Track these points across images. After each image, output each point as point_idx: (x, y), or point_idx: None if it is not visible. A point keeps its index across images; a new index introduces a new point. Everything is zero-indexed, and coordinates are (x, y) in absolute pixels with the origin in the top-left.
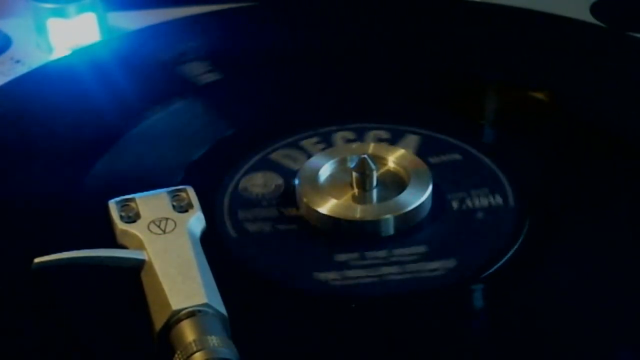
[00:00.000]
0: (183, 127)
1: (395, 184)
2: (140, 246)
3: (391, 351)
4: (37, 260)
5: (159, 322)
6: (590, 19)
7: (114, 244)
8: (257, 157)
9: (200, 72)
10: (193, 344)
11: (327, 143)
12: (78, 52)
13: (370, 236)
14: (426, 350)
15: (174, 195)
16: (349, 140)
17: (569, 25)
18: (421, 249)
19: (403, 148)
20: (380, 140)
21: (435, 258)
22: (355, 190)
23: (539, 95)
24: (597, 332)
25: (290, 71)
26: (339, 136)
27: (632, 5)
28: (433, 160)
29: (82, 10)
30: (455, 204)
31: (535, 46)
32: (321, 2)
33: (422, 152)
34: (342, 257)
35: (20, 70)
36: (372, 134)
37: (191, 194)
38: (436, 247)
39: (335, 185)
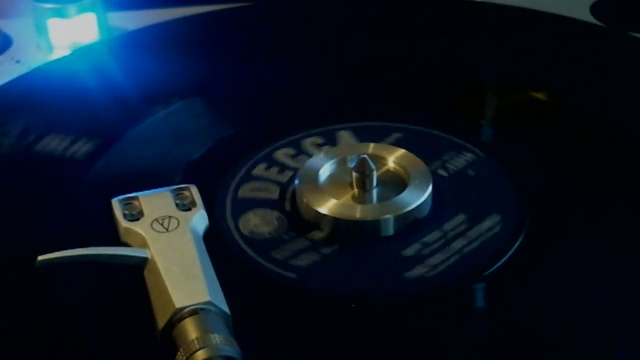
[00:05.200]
0: (183, 127)
1: (395, 184)
2: (144, 244)
3: (391, 351)
4: (40, 258)
5: (161, 320)
6: (590, 19)
7: (117, 242)
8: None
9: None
10: (195, 342)
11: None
12: (78, 52)
13: (370, 236)
14: (427, 350)
15: (177, 194)
16: (348, 141)
17: (569, 25)
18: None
19: (402, 148)
20: (379, 140)
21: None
22: (355, 190)
23: (539, 95)
24: (597, 331)
25: (290, 71)
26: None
27: (632, 5)
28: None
29: (82, 10)
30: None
31: (535, 46)
32: (321, 2)
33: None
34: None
35: (20, 70)
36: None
37: (194, 192)
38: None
39: (335, 185)
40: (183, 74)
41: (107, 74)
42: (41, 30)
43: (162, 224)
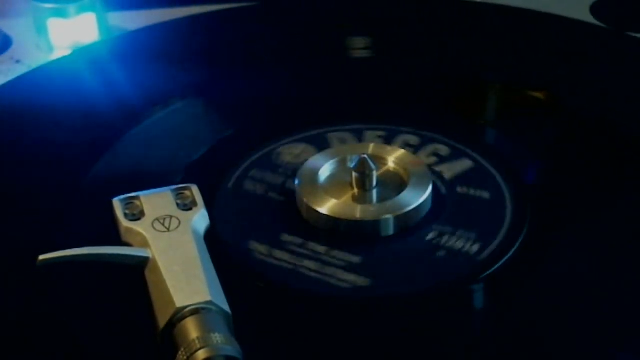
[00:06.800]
0: (183, 127)
1: (395, 184)
2: (145, 244)
3: (391, 351)
4: (41, 257)
5: (162, 320)
6: (590, 19)
7: (118, 241)
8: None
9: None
10: (196, 341)
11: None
12: (78, 52)
13: (370, 236)
14: (427, 350)
15: (178, 194)
16: (348, 141)
17: (569, 25)
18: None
19: (402, 148)
20: (379, 140)
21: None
22: (355, 190)
23: (539, 95)
24: (597, 331)
25: (290, 71)
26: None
27: (632, 5)
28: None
29: (82, 10)
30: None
31: (535, 46)
32: (321, 2)
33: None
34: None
35: (20, 70)
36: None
37: (195, 192)
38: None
39: (335, 185)
40: (183, 75)
41: (107, 74)
42: (41, 30)
43: (163, 224)
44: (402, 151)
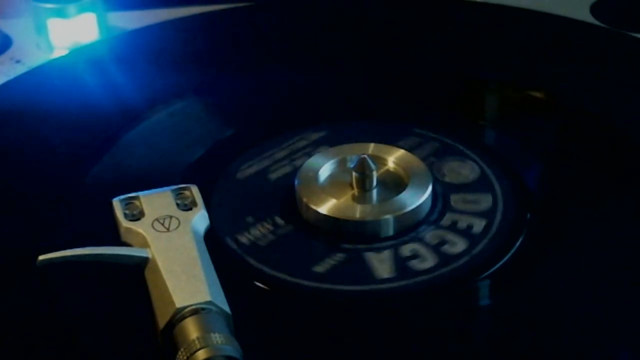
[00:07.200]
0: (183, 127)
1: (395, 184)
2: (144, 244)
3: (391, 350)
4: (41, 257)
5: (162, 320)
6: (590, 19)
7: (118, 241)
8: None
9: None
10: (196, 341)
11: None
12: (78, 52)
13: (370, 236)
14: (427, 349)
15: (178, 194)
16: (348, 141)
17: (569, 25)
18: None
19: (402, 148)
20: (379, 140)
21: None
22: (355, 190)
23: (539, 95)
24: (597, 332)
25: (289, 71)
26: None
27: (632, 5)
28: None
29: (82, 10)
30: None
31: (535, 46)
32: (320, 2)
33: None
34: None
35: (20, 70)
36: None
37: (195, 192)
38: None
39: (335, 185)
40: (183, 75)
41: (107, 74)
42: (41, 30)
43: (163, 224)
44: (402, 151)
